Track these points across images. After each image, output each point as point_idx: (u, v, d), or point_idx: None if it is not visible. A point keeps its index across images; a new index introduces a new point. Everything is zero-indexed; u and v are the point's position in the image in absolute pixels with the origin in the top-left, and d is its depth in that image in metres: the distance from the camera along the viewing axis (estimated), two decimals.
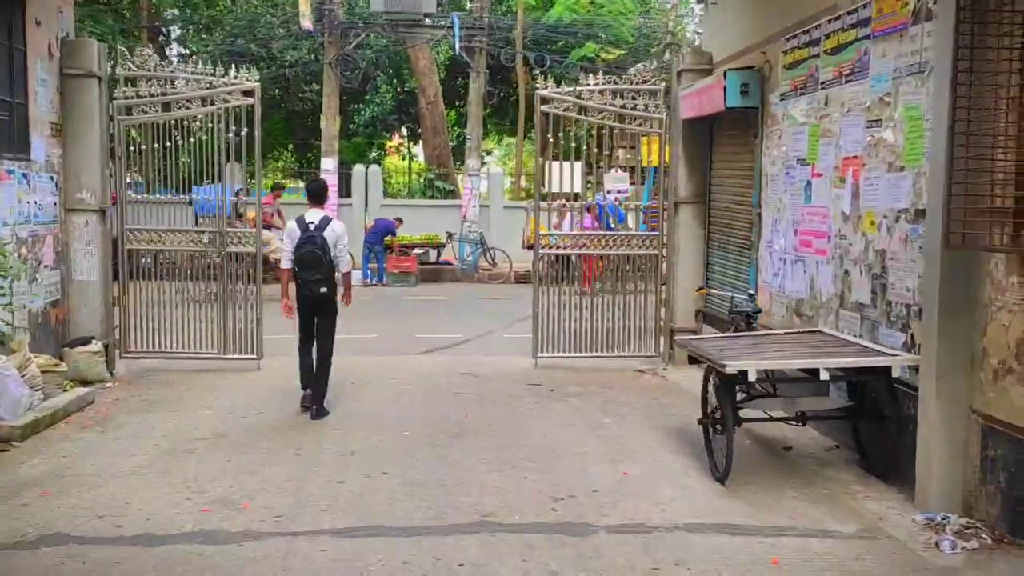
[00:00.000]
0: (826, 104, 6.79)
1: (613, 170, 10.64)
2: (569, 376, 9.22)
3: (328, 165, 19.15)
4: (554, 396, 8.31)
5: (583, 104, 9.58)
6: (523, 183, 28.87)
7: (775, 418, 6.08)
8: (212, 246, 9.32)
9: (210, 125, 9.25)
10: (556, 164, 9.78)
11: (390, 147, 31.16)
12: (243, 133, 9.27)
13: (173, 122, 9.22)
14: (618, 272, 9.94)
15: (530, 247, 18.67)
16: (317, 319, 7.46)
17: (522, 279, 19.19)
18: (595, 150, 9.82)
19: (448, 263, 19.60)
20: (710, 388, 6.04)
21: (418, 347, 11.12)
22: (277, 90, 21.50)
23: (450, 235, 19.26)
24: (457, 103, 29.92)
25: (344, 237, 7.48)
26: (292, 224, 7.51)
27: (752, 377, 5.25)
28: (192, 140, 9.24)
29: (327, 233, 7.29)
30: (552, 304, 9.66)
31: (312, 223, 7.32)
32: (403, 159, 30.78)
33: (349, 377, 8.96)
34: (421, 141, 24.28)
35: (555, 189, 9.94)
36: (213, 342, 9.38)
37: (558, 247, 9.71)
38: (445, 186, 21.81)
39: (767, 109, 7.90)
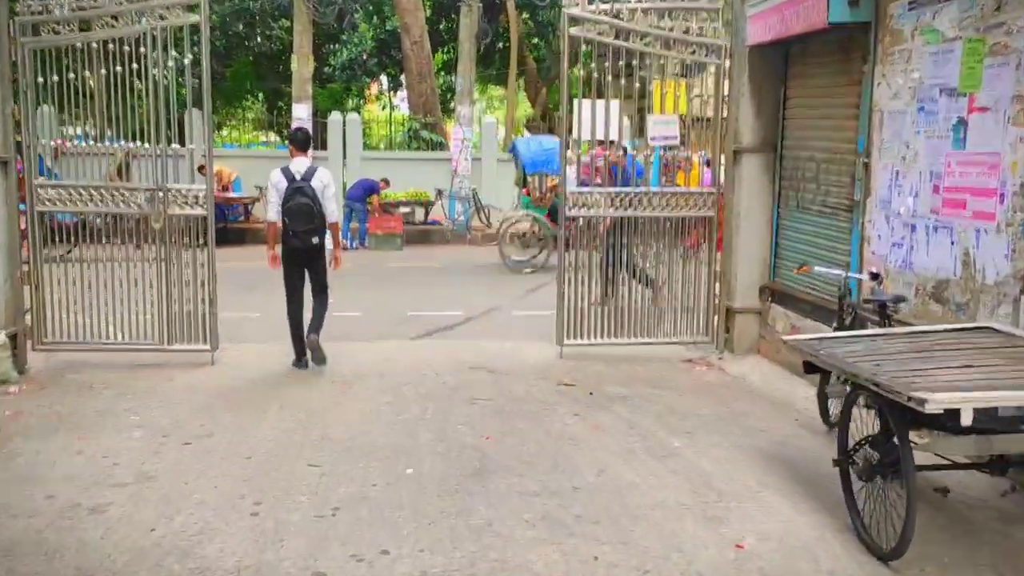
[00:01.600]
0: (998, 9, 4.83)
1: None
2: (605, 370, 7.34)
3: (300, 112, 16.97)
4: (595, 402, 6.41)
5: (623, 26, 7.56)
6: (513, 136, 26.78)
7: (961, 465, 4.20)
8: (150, 207, 7.26)
9: (143, 51, 7.14)
10: (587, 103, 7.76)
11: (370, 95, 28.85)
12: (187, 61, 7.19)
13: (95, 46, 7.10)
14: (661, 238, 8.02)
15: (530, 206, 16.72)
16: (309, 272, 7.25)
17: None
18: (637, 86, 7.86)
19: (437, 223, 17.59)
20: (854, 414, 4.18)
21: (412, 328, 9.17)
22: (242, 26, 19.15)
23: (439, 192, 17.21)
24: (442, 49, 27.60)
25: (331, 186, 7.29)
26: (277, 175, 7.16)
27: (967, 420, 3.35)
28: (120, 70, 7.13)
29: (314, 182, 7.09)
30: (581, 280, 7.74)
31: (299, 173, 7.10)
32: (384, 108, 28.50)
33: (329, 375, 7.03)
34: (405, 86, 22.01)
35: (585, 135, 7.93)
36: (154, 329, 7.37)
37: (591, 207, 7.73)
38: (432, 137, 19.65)
39: (885, 23, 5.91)
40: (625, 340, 7.86)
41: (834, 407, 5.61)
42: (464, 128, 17.53)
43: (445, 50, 28.55)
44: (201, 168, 17.11)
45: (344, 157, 18.59)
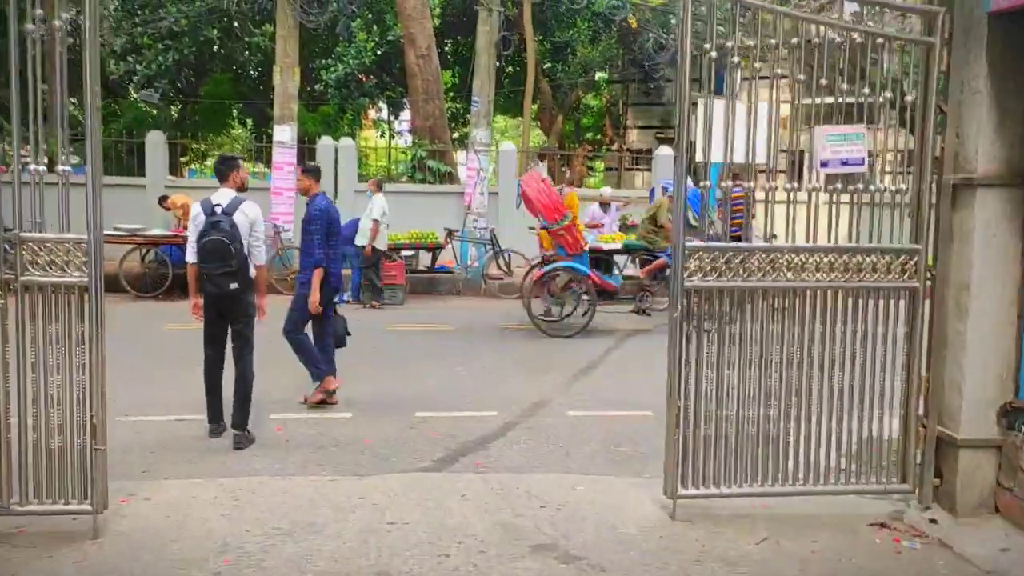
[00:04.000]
0: None
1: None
2: (759, 552, 4.34)
3: (283, 136, 14.07)
4: None
5: None
6: (527, 167, 23.90)
7: None
8: None
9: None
10: (718, 106, 4.79)
11: (367, 123, 26.02)
12: (59, 23, 4.23)
13: None
14: (823, 321, 5.01)
15: None
16: (231, 325, 6.16)
17: None
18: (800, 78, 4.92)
19: (446, 268, 14.60)
20: None
21: (426, 444, 6.15)
22: (216, 32, 16.26)
23: (450, 232, 14.25)
24: (448, 71, 24.87)
25: (260, 223, 6.23)
26: (196, 208, 6.15)
27: None
28: None
29: (237, 217, 6.01)
30: (706, 391, 4.74)
31: (219, 205, 6.03)
32: (382, 135, 25.66)
33: (290, 569, 3.99)
34: (408, 107, 19.11)
35: (716, 156, 4.96)
36: None
37: (722, 272, 4.75)
38: (440, 167, 16.71)
39: None
40: (769, 488, 4.85)
41: None
42: (480, 156, 14.62)
43: (451, 73, 25.83)
44: (163, 200, 13.96)
45: (336, 189, 15.68)
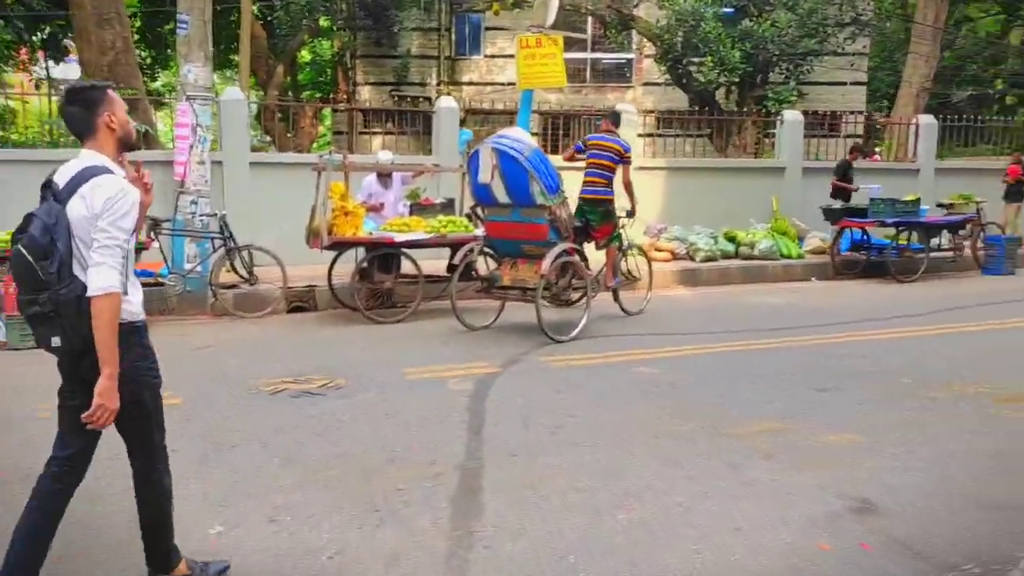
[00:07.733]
0: None
1: None
2: None
3: None
4: None
5: None
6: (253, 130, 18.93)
7: None
8: None
9: None
10: None
11: (20, 70, 19.58)
12: None
13: None
14: None
15: (332, 247, 9.42)
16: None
17: (299, 304, 9.93)
18: None
19: (151, 275, 9.69)
20: None
21: None
22: None
23: (156, 223, 9.34)
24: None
25: (112, 215, 2.92)
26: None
27: None
28: None
29: (73, 206, 2.99)
30: None
31: (53, 184, 3.09)
32: (37, 87, 19.34)
33: None
34: (75, 39, 13.46)
35: None
36: None
37: None
38: (133, 126, 11.59)
39: None
40: None
41: None
42: (198, 106, 9.74)
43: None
44: None
45: None
